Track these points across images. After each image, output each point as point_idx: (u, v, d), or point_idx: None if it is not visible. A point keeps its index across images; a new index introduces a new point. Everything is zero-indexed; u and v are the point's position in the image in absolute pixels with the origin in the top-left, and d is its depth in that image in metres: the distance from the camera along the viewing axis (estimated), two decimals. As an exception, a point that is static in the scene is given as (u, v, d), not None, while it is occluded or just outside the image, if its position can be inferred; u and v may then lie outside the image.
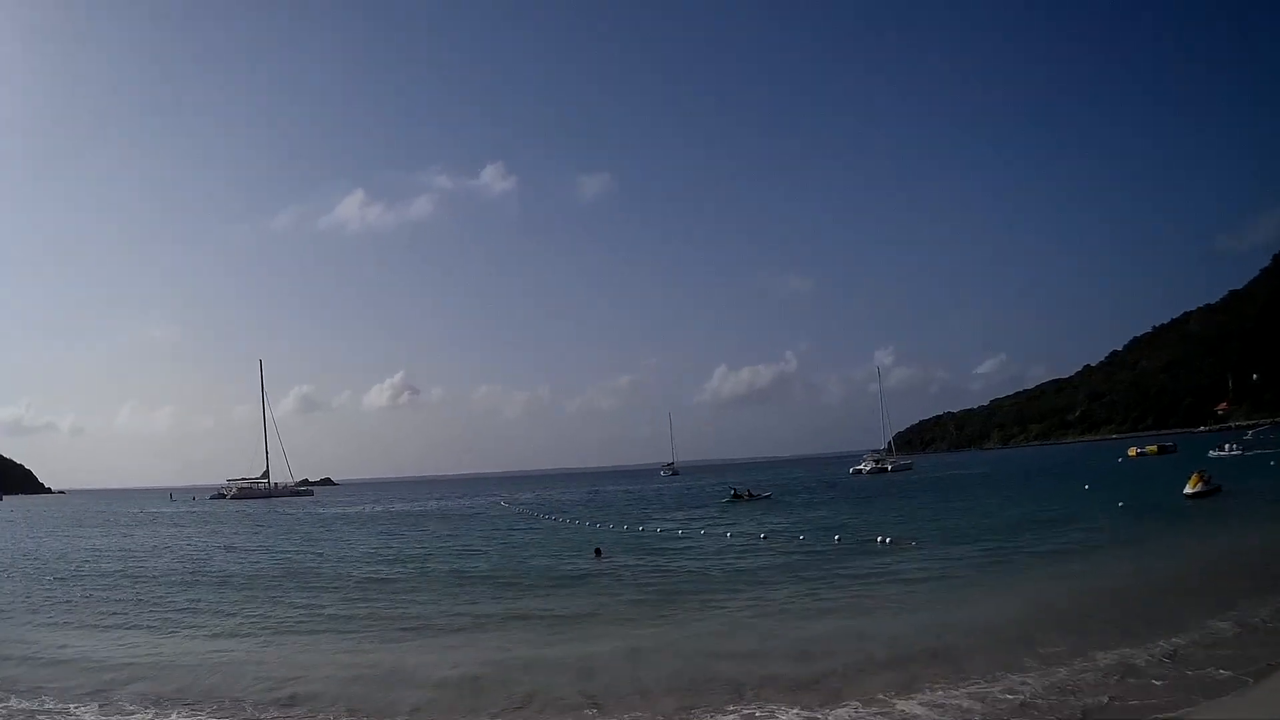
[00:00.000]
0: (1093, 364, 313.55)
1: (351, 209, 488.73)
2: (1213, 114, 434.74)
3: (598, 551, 40.83)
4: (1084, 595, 23.45)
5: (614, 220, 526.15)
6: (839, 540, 41.22)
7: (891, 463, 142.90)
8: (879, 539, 40.30)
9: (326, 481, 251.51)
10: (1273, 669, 14.25)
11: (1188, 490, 52.59)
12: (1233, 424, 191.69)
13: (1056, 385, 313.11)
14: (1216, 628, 17.84)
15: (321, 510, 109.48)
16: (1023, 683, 14.66)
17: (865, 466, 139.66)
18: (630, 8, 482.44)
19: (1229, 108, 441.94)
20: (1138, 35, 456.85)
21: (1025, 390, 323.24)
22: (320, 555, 47.13)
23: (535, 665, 18.15)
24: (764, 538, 44.75)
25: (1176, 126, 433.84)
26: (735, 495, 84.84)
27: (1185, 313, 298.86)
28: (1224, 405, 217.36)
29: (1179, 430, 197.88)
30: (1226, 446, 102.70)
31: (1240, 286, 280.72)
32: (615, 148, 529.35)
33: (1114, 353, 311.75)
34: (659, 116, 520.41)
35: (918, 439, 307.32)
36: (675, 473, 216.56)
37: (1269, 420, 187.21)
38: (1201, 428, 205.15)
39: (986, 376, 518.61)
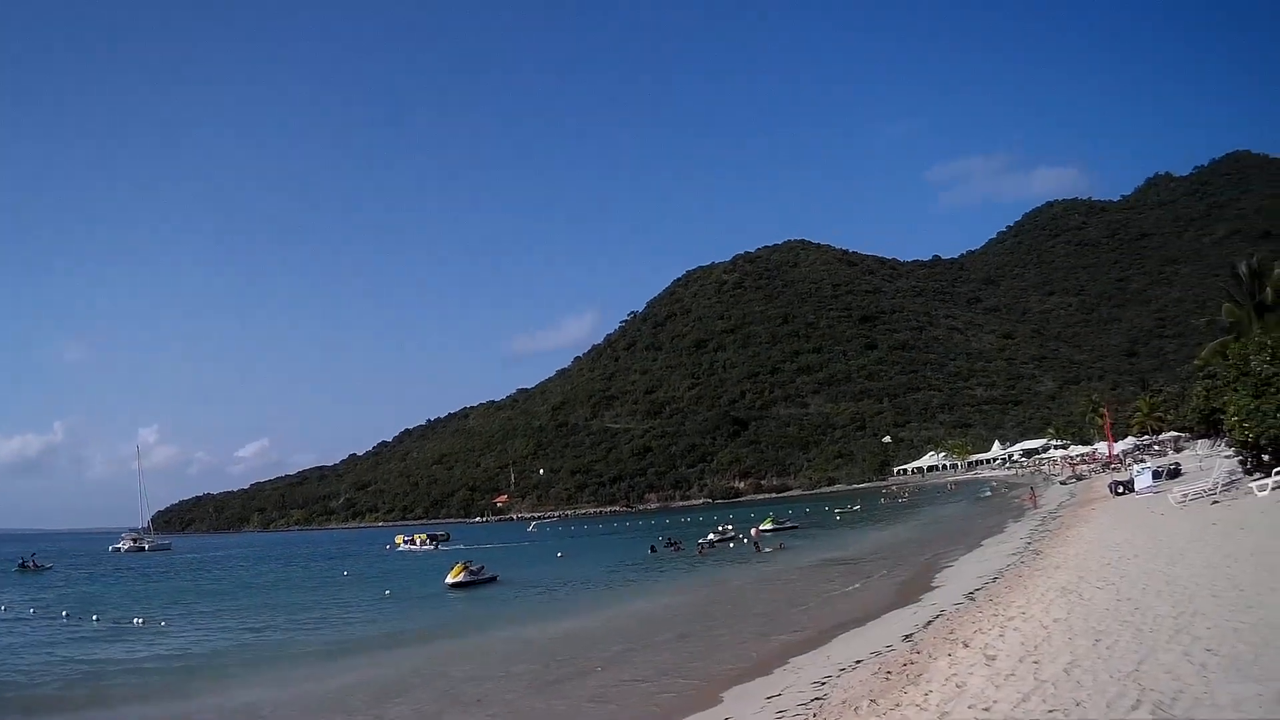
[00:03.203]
0: (360, 453, 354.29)
1: None
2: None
3: None
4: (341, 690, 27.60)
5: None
6: (97, 620, 49.02)
7: (149, 542, 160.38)
8: (135, 620, 47.90)
9: None
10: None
11: (449, 580, 60.14)
12: (514, 516, 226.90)
13: (321, 472, 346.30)
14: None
15: None
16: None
17: (123, 545, 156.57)
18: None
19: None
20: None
21: (288, 476, 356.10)
22: None
23: None
24: (33, 612, 53.82)
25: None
26: (23, 565, 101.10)
27: (465, 408, 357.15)
28: (504, 497, 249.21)
29: (452, 520, 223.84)
30: (418, 539, 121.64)
31: (532, 386, 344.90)
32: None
33: (382, 443, 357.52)
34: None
35: (178, 519, 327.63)
36: None
37: (556, 513, 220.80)
38: (478, 519, 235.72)
39: (248, 460, 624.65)
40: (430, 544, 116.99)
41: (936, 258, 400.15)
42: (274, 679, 30.12)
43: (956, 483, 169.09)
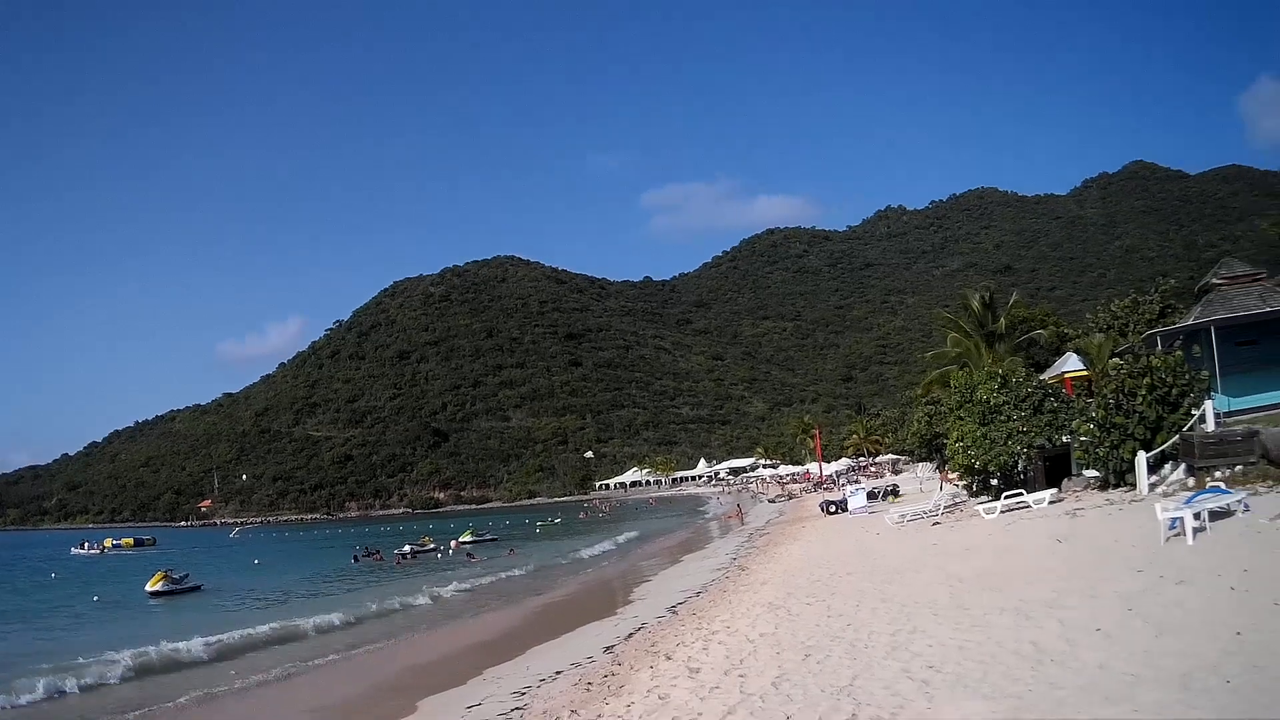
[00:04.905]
0: (71, 453, 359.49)
1: None
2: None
3: None
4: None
5: None
6: None
7: None
8: None
9: None
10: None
11: (149, 588, 59.36)
12: (218, 520, 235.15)
13: (35, 471, 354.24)
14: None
15: None
16: None
17: None
18: None
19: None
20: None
21: (4, 474, 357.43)
22: None
23: None
24: None
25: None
26: None
27: (171, 411, 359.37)
28: (208, 502, 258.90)
29: (159, 524, 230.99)
30: (85, 545, 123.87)
31: (237, 390, 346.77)
32: None
33: (93, 443, 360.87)
34: None
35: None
36: None
37: (259, 519, 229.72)
38: (184, 523, 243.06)
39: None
40: (97, 549, 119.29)
41: (648, 279, 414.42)
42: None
43: (659, 498, 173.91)
